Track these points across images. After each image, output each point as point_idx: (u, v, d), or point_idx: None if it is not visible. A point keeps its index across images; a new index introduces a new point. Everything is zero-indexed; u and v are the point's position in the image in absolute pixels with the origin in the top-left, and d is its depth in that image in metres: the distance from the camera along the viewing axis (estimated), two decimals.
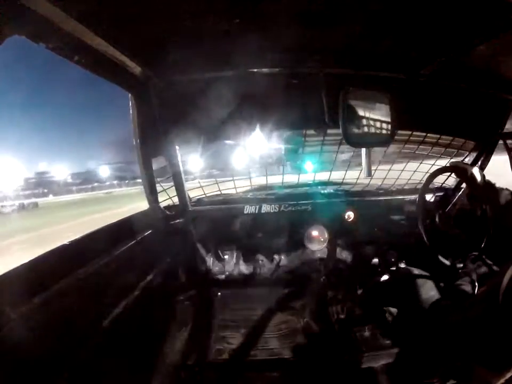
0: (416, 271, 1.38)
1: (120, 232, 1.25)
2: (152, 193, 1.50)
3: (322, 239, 1.70)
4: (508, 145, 1.38)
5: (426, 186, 1.43)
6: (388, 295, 1.44)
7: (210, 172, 1.70)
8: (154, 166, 1.45)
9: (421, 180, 1.79)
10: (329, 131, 1.49)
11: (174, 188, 1.59)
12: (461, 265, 1.30)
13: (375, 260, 1.69)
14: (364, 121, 1.12)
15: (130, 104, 1.24)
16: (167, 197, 1.64)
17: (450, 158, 1.72)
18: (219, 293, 1.78)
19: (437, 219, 1.40)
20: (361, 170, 1.75)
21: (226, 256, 1.81)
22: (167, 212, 1.59)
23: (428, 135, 1.62)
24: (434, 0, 0.76)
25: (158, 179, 1.52)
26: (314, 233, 1.70)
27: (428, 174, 1.50)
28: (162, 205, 1.59)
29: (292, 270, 1.78)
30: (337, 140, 1.60)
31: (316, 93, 1.29)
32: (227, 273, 1.81)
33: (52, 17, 0.69)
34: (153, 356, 1.23)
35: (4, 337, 0.63)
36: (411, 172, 1.76)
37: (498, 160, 1.58)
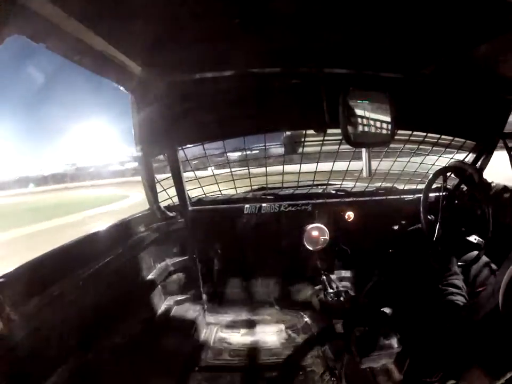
0: (416, 271, 1.38)
1: (120, 232, 1.26)
2: (152, 193, 1.50)
3: (322, 239, 1.70)
4: (508, 145, 1.38)
5: (430, 186, 1.43)
6: (388, 295, 1.44)
7: (209, 169, 1.69)
8: (154, 166, 1.46)
9: (421, 180, 1.79)
10: (329, 131, 1.49)
11: (174, 187, 1.59)
12: (462, 264, 1.31)
13: (375, 260, 1.69)
14: (364, 121, 1.12)
15: (130, 104, 1.24)
16: (167, 197, 1.64)
17: (451, 158, 1.72)
18: (219, 293, 1.78)
19: (438, 219, 1.40)
20: (361, 170, 1.74)
21: (226, 256, 1.81)
22: (167, 212, 1.59)
23: (428, 135, 1.62)
24: (435, 0, 0.76)
25: (158, 179, 1.52)
26: (314, 233, 1.70)
27: (428, 174, 1.51)
28: (162, 205, 1.59)
29: (292, 270, 1.78)
30: (337, 140, 1.60)
31: (316, 93, 1.29)
32: (227, 273, 1.81)
33: (52, 17, 0.69)
34: (153, 355, 1.23)
35: (4, 337, 0.63)
36: (411, 172, 1.76)
37: None
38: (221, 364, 1.35)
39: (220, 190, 1.76)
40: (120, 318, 1.06)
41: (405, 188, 1.82)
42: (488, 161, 1.65)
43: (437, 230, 1.32)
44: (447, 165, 1.52)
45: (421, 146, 1.70)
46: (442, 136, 1.61)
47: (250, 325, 1.58)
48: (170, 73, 1.20)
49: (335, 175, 1.81)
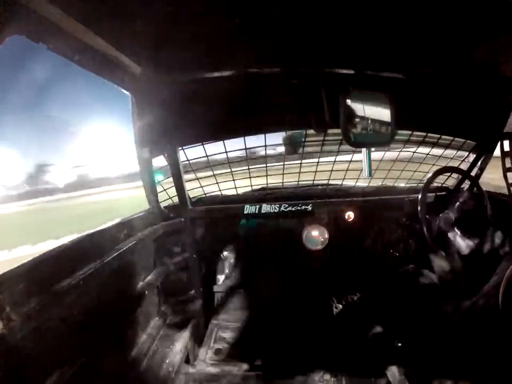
0: (417, 270, 1.38)
1: (120, 232, 1.26)
2: (152, 193, 1.50)
3: (322, 239, 1.70)
4: (504, 147, 1.38)
5: (428, 186, 1.43)
6: (388, 295, 1.45)
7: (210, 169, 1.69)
8: (154, 166, 1.46)
9: (421, 180, 1.78)
10: (329, 131, 1.49)
11: (174, 187, 1.59)
12: (463, 264, 1.31)
13: (376, 260, 1.69)
14: (364, 121, 1.12)
15: (130, 104, 1.24)
16: (167, 197, 1.64)
17: (451, 158, 1.72)
18: (219, 293, 1.78)
19: (438, 219, 1.41)
20: (361, 170, 1.74)
21: (226, 256, 1.81)
22: (167, 212, 1.59)
23: (428, 135, 1.62)
24: (435, 1, 0.76)
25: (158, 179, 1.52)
26: (314, 233, 1.70)
27: (428, 174, 1.51)
28: (162, 205, 1.59)
29: (292, 270, 1.78)
30: (337, 140, 1.60)
31: (316, 93, 1.29)
32: (227, 273, 1.81)
33: (52, 17, 0.69)
34: (153, 355, 1.23)
35: (4, 337, 0.63)
36: (411, 172, 1.76)
37: None
38: (220, 364, 1.35)
39: (220, 190, 1.76)
40: (120, 318, 1.06)
41: (405, 188, 1.82)
42: (488, 161, 1.65)
43: (437, 229, 1.32)
44: (446, 165, 1.52)
45: (420, 146, 1.70)
46: (442, 136, 1.62)
47: (250, 325, 1.58)
48: (170, 73, 1.20)
49: (336, 175, 1.81)
